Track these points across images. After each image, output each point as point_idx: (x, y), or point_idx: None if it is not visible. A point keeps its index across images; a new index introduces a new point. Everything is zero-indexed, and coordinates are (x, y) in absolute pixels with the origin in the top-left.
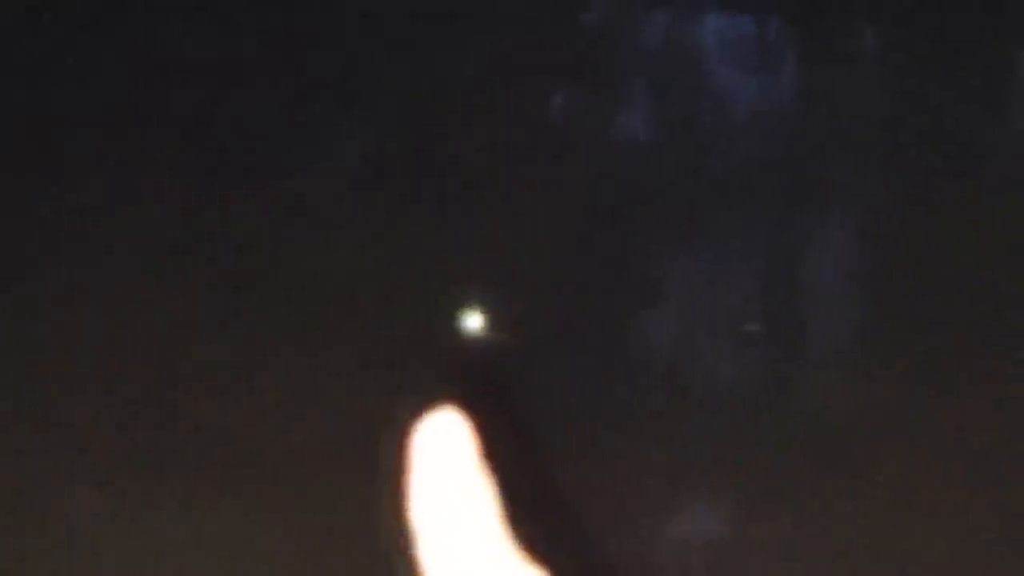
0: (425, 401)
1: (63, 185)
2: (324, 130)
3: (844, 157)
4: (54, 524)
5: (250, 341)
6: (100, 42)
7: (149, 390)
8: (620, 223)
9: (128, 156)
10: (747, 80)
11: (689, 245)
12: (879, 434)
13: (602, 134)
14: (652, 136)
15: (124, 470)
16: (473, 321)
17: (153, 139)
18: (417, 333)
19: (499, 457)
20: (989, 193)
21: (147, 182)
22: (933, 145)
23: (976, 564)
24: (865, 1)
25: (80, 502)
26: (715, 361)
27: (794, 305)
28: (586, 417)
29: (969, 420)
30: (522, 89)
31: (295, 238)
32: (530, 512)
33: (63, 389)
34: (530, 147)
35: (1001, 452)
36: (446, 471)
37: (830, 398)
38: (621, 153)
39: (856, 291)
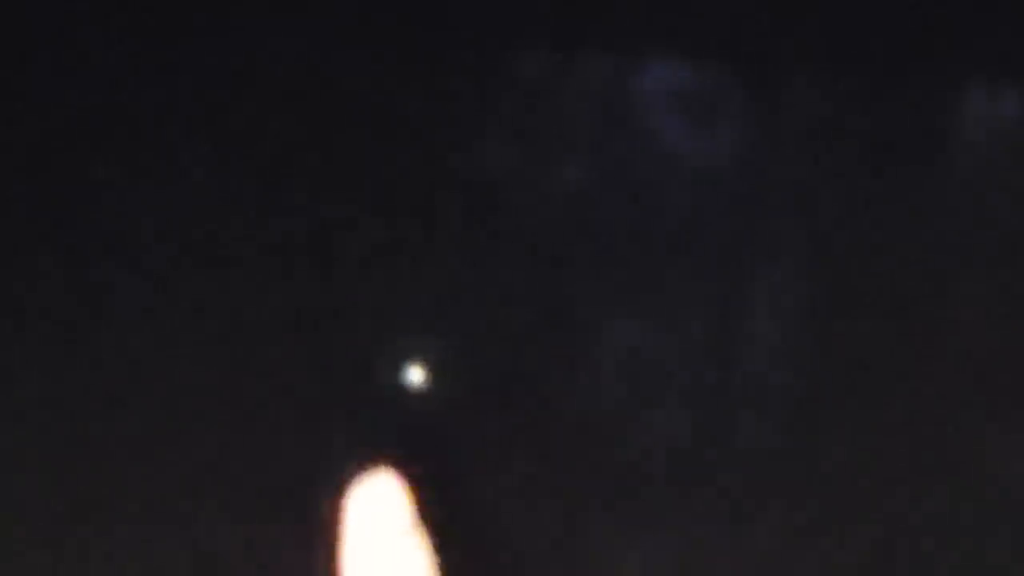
0: (360, 457)
1: None
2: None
3: (788, 207)
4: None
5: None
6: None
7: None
8: (560, 274)
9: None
10: (689, 130)
11: (631, 296)
12: (815, 487)
13: (542, 184)
14: (593, 186)
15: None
16: (413, 375)
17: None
18: (352, 386)
19: (435, 517)
20: (935, 248)
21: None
22: (878, 194)
23: None
24: (808, 51)
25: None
26: (656, 412)
27: (735, 358)
28: (525, 469)
29: (917, 483)
30: (458, 138)
31: (229, 285)
32: (465, 568)
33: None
34: (468, 197)
35: (942, 505)
36: (381, 531)
37: (768, 450)
38: (561, 203)
39: (799, 344)
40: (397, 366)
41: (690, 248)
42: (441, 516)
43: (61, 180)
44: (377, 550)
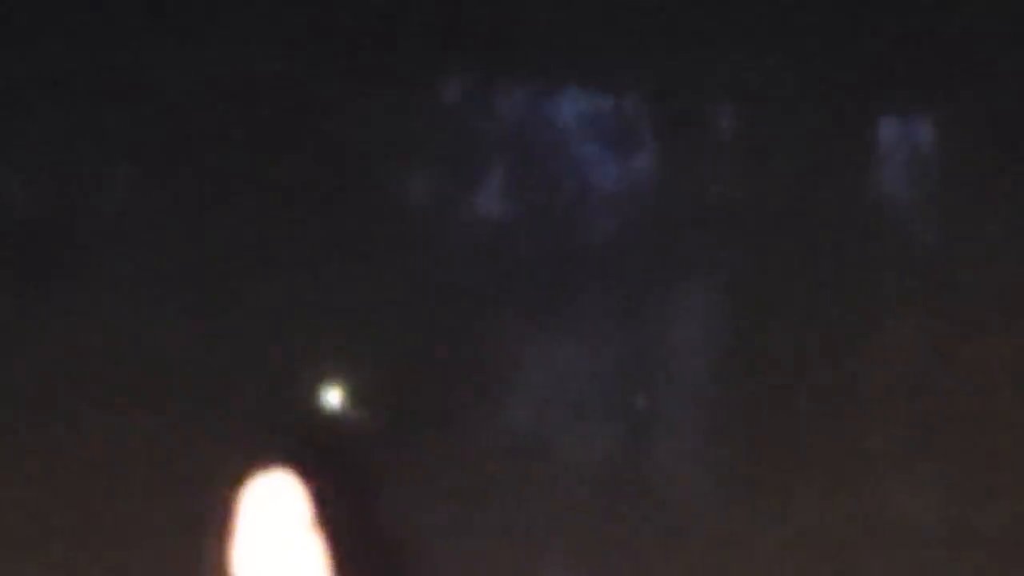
0: (265, 463)
1: None
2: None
3: (704, 233)
4: None
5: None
6: None
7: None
8: (478, 300)
9: None
10: (606, 157)
11: (548, 322)
12: (732, 513)
13: (460, 211)
14: (510, 212)
15: None
16: (332, 397)
17: None
18: (273, 408)
19: (336, 522)
20: (850, 267)
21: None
22: (792, 219)
23: None
24: (722, 78)
25: None
26: (572, 438)
27: (653, 381)
28: (444, 493)
29: (830, 507)
30: (377, 166)
31: (145, 310)
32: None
33: None
34: (387, 224)
35: (859, 539)
36: (277, 530)
37: (683, 477)
38: (479, 230)
39: (715, 370)
40: (315, 387)
41: (610, 270)
42: (343, 527)
43: None
44: (271, 546)
